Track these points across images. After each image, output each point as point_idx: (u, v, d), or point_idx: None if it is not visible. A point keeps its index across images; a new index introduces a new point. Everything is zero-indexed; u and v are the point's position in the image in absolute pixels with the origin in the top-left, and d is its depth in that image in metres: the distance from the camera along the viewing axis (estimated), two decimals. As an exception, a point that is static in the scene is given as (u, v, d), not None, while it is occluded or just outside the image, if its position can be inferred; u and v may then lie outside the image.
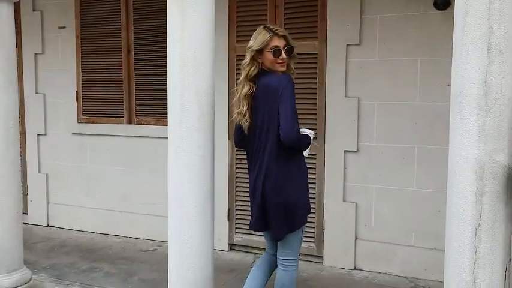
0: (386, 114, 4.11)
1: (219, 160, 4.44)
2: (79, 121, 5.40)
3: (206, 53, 2.82)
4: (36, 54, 5.50)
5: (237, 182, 4.66)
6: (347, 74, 4.20)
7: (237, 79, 4.43)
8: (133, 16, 5.04)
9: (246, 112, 2.88)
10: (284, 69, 2.90)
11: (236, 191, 4.66)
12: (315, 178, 4.36)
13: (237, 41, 4.53)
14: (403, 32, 4.01)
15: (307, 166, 3.04)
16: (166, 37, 2.80)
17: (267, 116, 2.81)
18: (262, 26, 2.94)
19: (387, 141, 4.13)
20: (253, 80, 2.87)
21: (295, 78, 4.16)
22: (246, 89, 2.87)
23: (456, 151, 2.27)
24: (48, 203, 5.64)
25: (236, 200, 4.67)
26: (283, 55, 2.86)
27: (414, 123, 4.03)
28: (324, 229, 4.36)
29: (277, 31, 2.86)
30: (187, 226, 2.86)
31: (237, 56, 4.52)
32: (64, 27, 5.35)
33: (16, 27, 5.51)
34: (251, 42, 2.87)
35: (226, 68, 4.59)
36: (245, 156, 4.49)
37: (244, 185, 4.57)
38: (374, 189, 4.20)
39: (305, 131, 2.93)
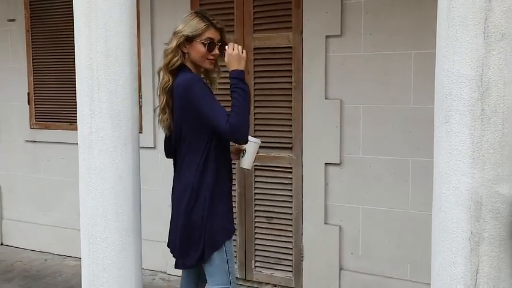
0: (374, 119, 3.39)
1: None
2: (31, 127, 4.76)
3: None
4: (-15, 51, 4.88)
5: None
6: (327, 71, 3.48)
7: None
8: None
9: (163, 108, 2.31)
10: (211, 67, 2.36)
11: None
12: (291, 196, 3.66)
13: (201, 34, 3.84)
14: (393, 20, 3.28)
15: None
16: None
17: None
18: (195, 11, 2.38)
19: (376, 152, 3.40)
20: (173, 72, 2.29)
21: (267, 76, 3.48)
22: (165, 80, 2.30)
23: (442, 179, 1.63)
24: (1, 218, 5.02)
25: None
26: (217, 51, 2.31)
27: (408, 131, 3.30)
28: (302, 257, 3.65)
29: (214, 21, 2.34)
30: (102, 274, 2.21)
31: (201, 51, 3.83)
32: (14, 20, 4.71)
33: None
34: (181, 26, 2.29)
35: (188, 65, 3.90)
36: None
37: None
38: (361, 210, 3.49)
39: (253, 139, 2.44)
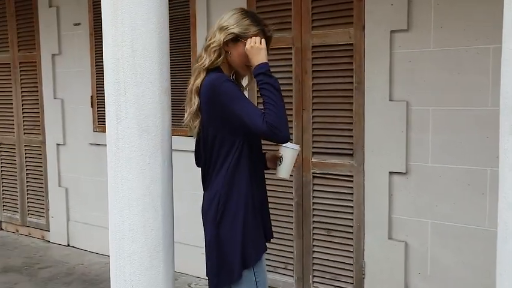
0: (445, 124, 3.01)
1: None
2: (95, 130, 4.77)
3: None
4: (53, 55, 4.96)
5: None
6: (392, 70, 3.14)
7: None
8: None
9: (196, 112, 2.12)
10: (246, 74, 2.22)
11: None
12: (352, 207, 3.34)
13: (257, 32, 3.62)
14: (468, 10, 2.88)
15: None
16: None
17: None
18: (245, 10, 2.19)
19: (447, 160, 3.02)
20: (208, 72, 2.10)
21: (326, 76, 3.22)
22: (199, 79, 2.09)
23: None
24: (68, 220, 5.08)
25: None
26: None
27: (485, 136, 2.89)
28: (364, 274, 3.33)
29: (267, 28, 2.14)
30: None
31: (258, 50, 3.62)
32: (79, 24, 4.75)
33: (33, 26, 5.08)
34: (230, 22, 2.08)
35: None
36: (271, 175, 3.65)
37: (271, 210, 3.65)
38: (430, 225, 3.11)
39: (289, 145, 2.20)
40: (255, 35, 2.06)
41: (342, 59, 3.30)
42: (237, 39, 2.06)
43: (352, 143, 3.30)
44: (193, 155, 2.32)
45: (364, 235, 3.31)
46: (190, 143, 2.43)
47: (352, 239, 3.36)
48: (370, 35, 3.18)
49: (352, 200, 3.34)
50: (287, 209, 3.61)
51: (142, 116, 2.03)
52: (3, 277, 4.26)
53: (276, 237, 3.63)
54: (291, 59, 3.49)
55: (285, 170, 2.18)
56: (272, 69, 3.54)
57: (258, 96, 3.63)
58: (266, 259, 3.72)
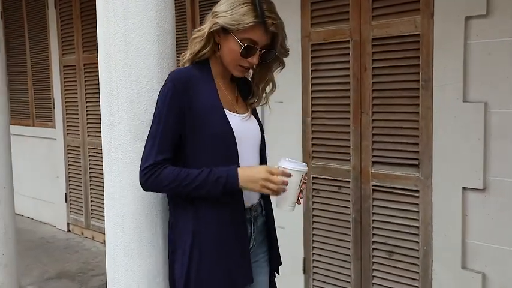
0: (534, 130, 2.42)
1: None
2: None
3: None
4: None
5: (314, 221, 3.33)
6: (467, 64, 2.59)
7: (313, 76, 3.22)
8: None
9: None
10: (240, 75, 1.74)
11: (313, 234, 3.34)
12: (417, 227, 2.83)
13: (312, 25, 3.21)
14: None
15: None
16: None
17: None
18: None
19: (537, 176, 2.43)
20: None
21: (388, 73, 2.74)
22: None
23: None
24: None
25: (314, 247, 3.34)
26: (255, 60, 1.67)
27: None
28: (431, 308, 2.81)
29: (268, 20, 1.61)
30: None
31: (313, 45, 3.21)
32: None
33: (95, 27, 4.99)
34: (222, 7, 1.64)
35: (298, 60, 3.29)
36: (324, 186, 3.25)
37: (324, 225, 3.24)
38: (514, 255, 2.54)
39: (286, 164, 1.63)
40: (249, 29, 1.59)
41: (406, 52, 2.80)
42: (226, 30, 1.62)
43: (418, 152, 2.79)
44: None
45: (432, 261, 2.79)
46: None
47: (417, 265, 2.85)
48: (441, 23, 2.65)
49: (417, 219, 2.83)
50: (343, 226, 3.16)
51: (137, 122, 1.72)
52: (55, 283, 4.18)
53: (331, 257, 3.22)
54: (348, 54, 3.04)
55: (283, 199, 1.62)
56: (327, 66, 3.16)
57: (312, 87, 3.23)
58: (319, 280, 3.33)
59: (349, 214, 3.11)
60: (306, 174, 1.66)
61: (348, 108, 3.05)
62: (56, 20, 5.38)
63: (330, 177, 3.18)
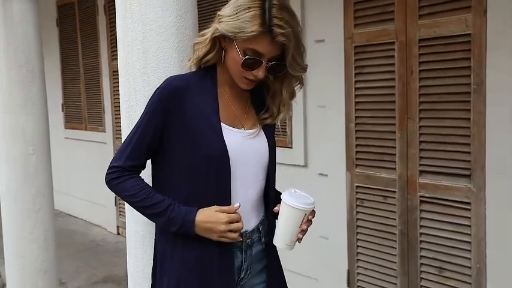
0: None
1: (335, 198, 3.10)
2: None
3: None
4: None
5: (358, 232, 3.16)
6: (524, 66, 2.37)
7: (356, 79, 3.06)
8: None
9: None
10: (246, 87, 1.52)
11: (358, 245, 3.17)
12: (469, 243, 2.61)
13: (355, 26, 3.05)
14: None
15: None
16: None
17: None
18: None
19: None
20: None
21: (436, 76, 2.58)
22: None
23: None
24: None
25: (358, 259, 3.17)
26: (260, 73, 1.45)
27: None
28: (485, 331, 2.58)
29: (276, 30, 1.37)
30: None
31: (356, 46, 3.05)
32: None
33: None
34: (226, 11, 1.44)
35: (341, 62, 3.13)
36: (369, 196, 3.09)
37: (369, 237, 3.08)
38: None
39: (288, 199, 1.47)
40: (252, 38, 1.38)
41: (456, 54, 2.59)
42: (230, 37, 1.42)
43: (469, 161, 2.58)
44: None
45: (486, 281, 2.57)
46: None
47: (470, 283, 2.63)
48: (494, 22, 2.44)
49: (469, 234, 2.61)
50: (389, 238, 2.97)
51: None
52: (101, 287, 4.21)
53: (377, 271, 3.04)
54: (393, 56, 2.86)
55: (280, 236, 1.49)
56: (371, 69, 2.98)
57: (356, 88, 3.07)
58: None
59: (395, 226, 2.93)
60: (311, 213, 1.49)
61: (393, 113, 2.87)
62: (105, 26, 5.46)
63: (375, 186, 3.01)
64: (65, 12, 6.28)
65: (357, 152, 3.10)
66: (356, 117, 3.08)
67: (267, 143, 1.57)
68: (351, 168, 3.13)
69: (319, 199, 3.33)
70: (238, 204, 1.47)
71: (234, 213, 1.45)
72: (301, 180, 3.48)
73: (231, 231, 1.44)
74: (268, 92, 1.57)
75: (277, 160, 3.56)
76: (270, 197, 1.59)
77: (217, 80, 1.53)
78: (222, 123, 1.48)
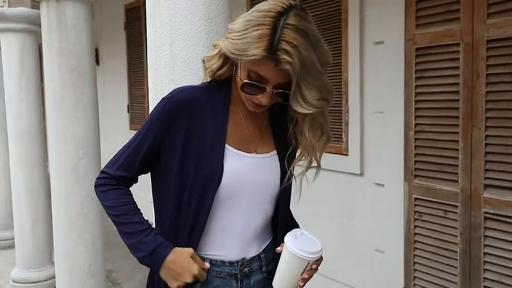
0: None
1: (392, 210, 2.92)
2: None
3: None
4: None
5: (416, 247, 2.94)
6: None
7: (417, 83, 2.85)
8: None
9: None
10: (254, 110, 1.34)
11: (415, 262, 2.95)
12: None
13: (417, 26, 2.83)
14: None
15: None
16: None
17: None
18: (278, 12, 1.20)
19: None
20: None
21: (506, 81, 2.36)
22: None
23: None
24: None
25: (415, 277, 2.95)
26: (265, 100, 1.28)
27: None
28: None
29: (281, 55, 1.18)
30: None
31: (417, 48, 2.84)
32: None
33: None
34: (236, 26, 1.25)
35: (401, 65, 2.93)
36: (428, 209, 2.87)
37: (428, 254, 2.86)
38: None
39: (291, 244, 1.31)
40: (254, 62, 1.21)
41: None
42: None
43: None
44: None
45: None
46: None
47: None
48: None
49: (539, 257, 2.35)
50: (450, 257, 2.74)
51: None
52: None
53: (435, 292, 2.82)
54: (458, 58, 2.63)
55: (279, 280, 1.34)
56: (433, 73, 2.76)
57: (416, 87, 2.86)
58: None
59: (457, 244, 2.69)
60: (316, 262, 1.33)
61: (456, 121, 2.64)
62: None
63: (435, 200, 2.78)
64: (132, 15, 6.39)
65: (416, 161, 2.88)
66: (416, 124, 2.86)
67: (279, 171, 1.40)
68: (409, 178, 2.91)
69: (375, 210, 3.17)
70: (208, 265, 1.35)
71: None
72: (356, 190, 3.30)
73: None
74: (291, 120, 1.38)
75: (332, 167, 3.42)
76: (280, 224, 1.44)
77: (231, 95, 1.38)
78: (228, 146, 1.34)
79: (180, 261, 1.30)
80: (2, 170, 5.27)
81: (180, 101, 1.32)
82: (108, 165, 1.41)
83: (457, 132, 2.64)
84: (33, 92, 4.02)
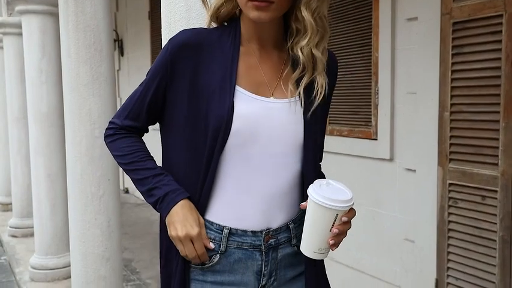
0: None
1: (424, 197, 2.74)
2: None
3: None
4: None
5: (450, 236, 2.75)
6: None
7: (454, 61, 2.65)
8: None
9: None
10: (256, 16, 1.16)
11: (449, 251, 2.76)
12: None
13: (454, -1, 2.65)
14: None
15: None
16: None
17: None
18: None
19: None
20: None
21: None
22: None
23: None
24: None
25: (449, 268, 2.76)
26: None
27: None
28: None
29: None
30: None
31: (455, 23, 2.64)
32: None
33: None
34: None
35: (436, 42, 2.74)
36: (464, 195, 2.68)
37: (463, 243, 2.66)
38: None
39: (316, 194, 1.14)
40: None
41: None
42: None
43: None
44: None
45: None
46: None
47: None
48: None
49: None
50: (488, 246, 2.54)
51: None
52: (174, 279, 4.10)
53: (471, 282, 2.63)
54: (500, 31, 2.43)
55: (307, 241, 1.18)
56: (472, 48, 2.56)
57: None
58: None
59: (496, 231, 2.49)
60: (347, 213, 1.16)
61: (497, 99, 2.44)
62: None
63: (472, 185, 2.59)
64: (157, 4, 6.31)
65: (451, 144, 2.69)
66: (452, 104, 2.67)
67: (303, 117, 1.24)
68: (443, 163, 2.72)
69: (406, 197, 2.98)
70: (212, 245, 1.22)
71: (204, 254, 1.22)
72: (386, 176, 3.12)
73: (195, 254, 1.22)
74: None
75: (359, 153, 3.24)
76: (307, 181, 1.25)
77: (242, 36, 1.24)
78: (240, 88, 1.20)
79: (188, 213, 1.19)
80: (23, 158, 5.22)
81: (183, 41, 1.20)
82: (116, 116, 1.32)
83: (498, 112, 2.44)
84: (54, 75, 3.95)
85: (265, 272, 1.26)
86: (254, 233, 1.23)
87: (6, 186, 6.36)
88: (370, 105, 3.19)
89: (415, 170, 2.92)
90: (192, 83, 1.19)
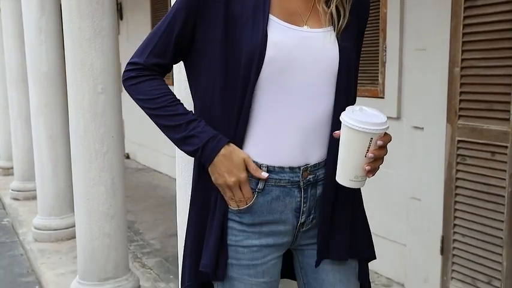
0: None
1: (431, 154, 2.71)
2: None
3: None
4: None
5: (457, 193, 2.73)
6: None
7: (466, 14, 2.58)
8: None
9: None
10: None
11: (456, 208, 2.74)
12: None
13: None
14: None
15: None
16: None
17: None
18: None
19: None
20: None
21: None
22: None
23: None
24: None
25: (455, 225, 2.75)
26: None
27: None
28: None
29: None
30: None
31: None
32: None
33: None
34: None
35: (447, 12, 2.66)
36: (473, 152, 2.64)
37: (471, 199, 2.64)
38: None
39: (348, 119, 1.12)
40: None
41: None
42: None
43: None
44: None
45: None
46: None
47: None
48: None
49: None
50: (496, 202, 2.52)
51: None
52: (175, 239, 4.11)
53: (478, 239, 2.62)
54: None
55: (342, 168, 1.15)
56: (485, 1, 2.49)
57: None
58: (460, 265, 2.74)
59: (504, 187, 2.47)
60: (382, 137, 1.13)
61: (510, 53, 2.39)
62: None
63: (481, 141, 2.55)
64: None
65: (461, 101, 2.64)
66: (463, 59, 2.61)
67: (338, 46, 1.21)
68: (452, 119, 2.68)
69: (413, 155, 2.95)
70: (267, 175, 1.18)
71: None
72: (393, 135, 3.06)
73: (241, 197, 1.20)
74: None
75: (366, 111, 3.19)
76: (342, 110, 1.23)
77: None
78: (273, 17, 1.17)
79: (231, 160, 1.17)
80: (24, 121, 5.17)
81: None
82: (136, 55, 1.24)
83: (511, 66, 2.39)
84: (53, 34, 3.87)
85: (304, 209, 1.24)
86: (292, 169, 1.21)
87: (7, 150, 6.33)
88: (378, 63, 3.13)
89: (422, 128, 2.88)
90: (224, 12, 1.15)
